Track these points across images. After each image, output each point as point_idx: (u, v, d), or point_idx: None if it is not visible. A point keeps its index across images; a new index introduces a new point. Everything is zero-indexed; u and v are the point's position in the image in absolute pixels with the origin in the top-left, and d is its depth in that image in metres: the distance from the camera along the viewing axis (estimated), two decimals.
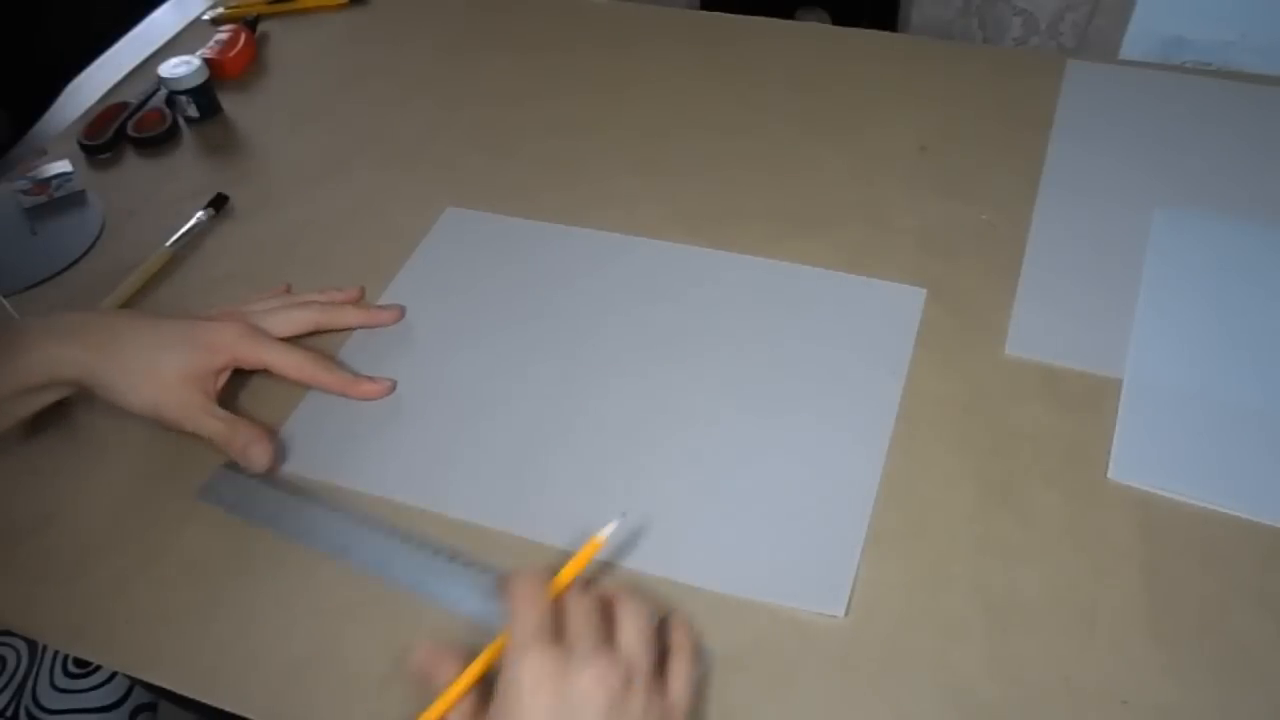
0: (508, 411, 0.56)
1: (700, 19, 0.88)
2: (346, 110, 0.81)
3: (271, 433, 0.55)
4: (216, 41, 0.86)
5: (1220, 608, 0.45)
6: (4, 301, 0.66)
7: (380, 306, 0.63)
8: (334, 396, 0.58)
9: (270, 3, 0.93)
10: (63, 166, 0.77)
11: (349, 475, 0.54)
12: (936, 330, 0.58)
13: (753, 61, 0.80)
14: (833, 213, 0.66)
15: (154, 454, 0.57)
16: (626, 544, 0.50)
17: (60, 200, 0.75)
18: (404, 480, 0.54)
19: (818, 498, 0.51)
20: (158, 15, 0.95)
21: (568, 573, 0.44)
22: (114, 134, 0.79)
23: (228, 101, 0.83)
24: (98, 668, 0.65)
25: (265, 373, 0.58)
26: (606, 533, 0.45)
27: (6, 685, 0.61)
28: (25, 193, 0.75)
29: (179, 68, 0.79)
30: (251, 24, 0.90)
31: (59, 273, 0.69)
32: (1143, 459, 0.51)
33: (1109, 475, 0.50)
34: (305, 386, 0.57)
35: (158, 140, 0.79)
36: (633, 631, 0.41)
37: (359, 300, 0.63)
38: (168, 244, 0.69)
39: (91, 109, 0.84)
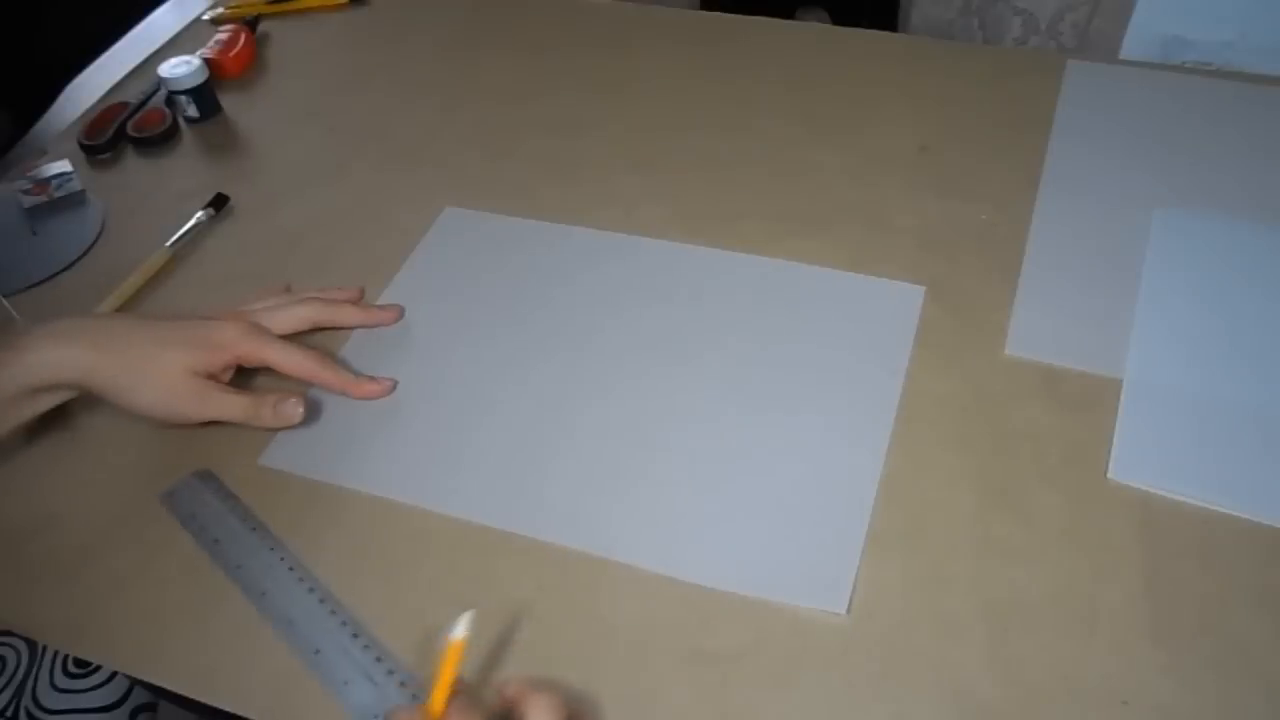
0: (507, 411, 0.56)
1: (700, 19, 0.88)
2: (346, 110, 0.81)
3: (300, 392, 0.55)
4: (216, 41, 0.86)
5: (1220, 608, 0.45)
6: (4, 301, 0.66)
7: (380, 306, 0.63)
8: (334, 396, 0.58)
9: (270, 3, 0.93)
10: (63, 166, 0.77)
11: (348, 475, 0.54)
12: (936, 330, 0.58)
13: (753, 61, 0.80)
14: (832, 212, 0.66)
15: (153, 454, 0.57)
16: (626, 543, 0.50)
17: (60, 200, 0.75)
18: (403, 479, 0.54)
19: (818, 495, 0.51)
20: (158, 15, 0.95)
21: (439, 694, 0.40)
22: (114, 134, 0.79)
23: (228, 101, 0.83)
24: (98, 668, 0.65)
25: (267, 371, 0.58)
26: (461, 633, 0.40)
27: (6, 685, 0.61)
28: (25, 193, 0.75)
29: (179, 68, 0.79)
30: (251, 24, 0.90)
31: (59, 273, 0.69)
32: (1143, 459, 0.51)
33: (1109, 475, 0.50)
34: (306, 385, 0.57)
35: (158, 140, 0.79)
36: None
37: (359, 300, 0.63)
38: (168, 244, 0.69)
39: (91, 109, 0.84)
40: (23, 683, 0.62)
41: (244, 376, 0.58)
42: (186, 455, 0.56)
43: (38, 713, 0.62)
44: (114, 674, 0.65)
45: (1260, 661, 0.43)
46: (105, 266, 0.69)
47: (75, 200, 0.75)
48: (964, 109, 0.73)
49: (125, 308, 0.65)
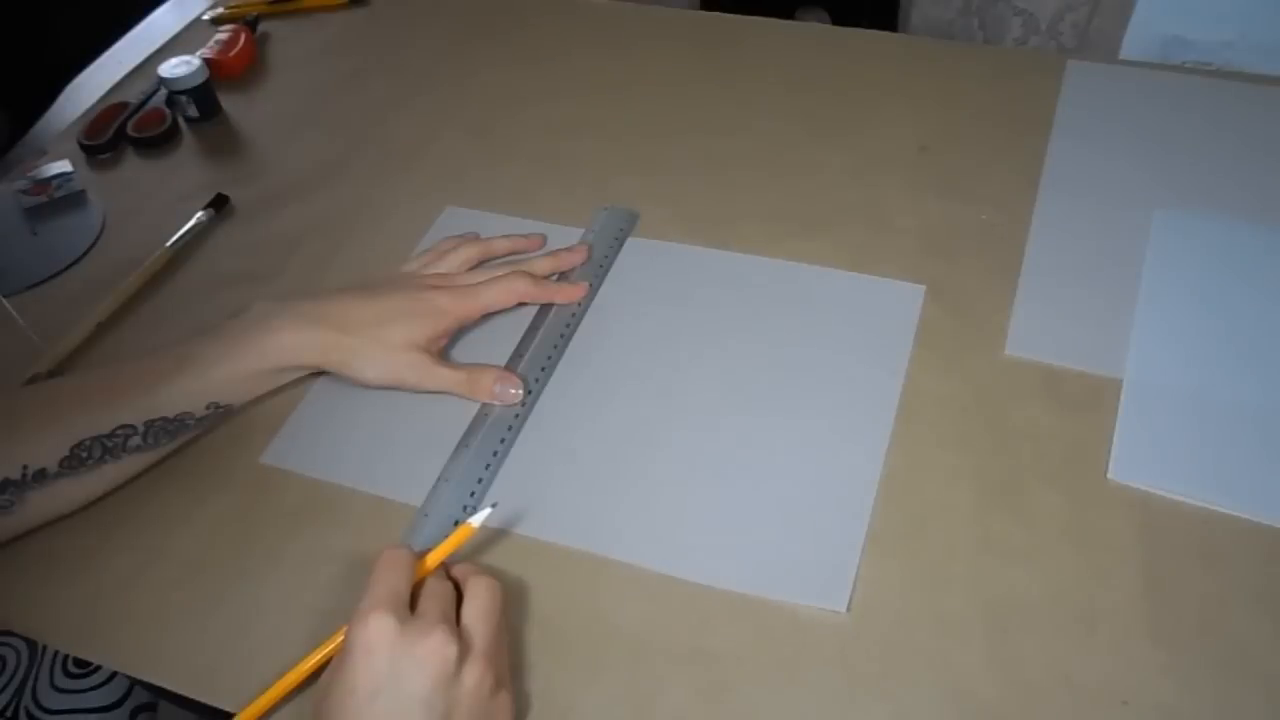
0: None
1: (700, 19, 0.88)
2: (346, 110, 0.81)
3: (509, 370, 0.57)
4: (216, 41, 0.86)
5: (1220, 608, 0.45)
6: (4, 301, 0.66)
7: (568, 249, 0.64)
8: (334, 396, 0.58)
9: (270, 3, 0.93)
10: (63, 166, 0.77)
11: (348, 474, 0.54)
12: (936, 330, 0.58)
13: (753, 61, 0.80)
14: (832, 213, 0.66)
15: None
16: (626, 542, 0.50)
17: (60, 200, 0.75)
18: (403, 479, 0.54)
19: (818, 495, 0.51)
20: (158, 15, 0.95)
21: (435, 556, 0.45)
22: (114, 134, 0.79)
23: (228, 101, 0.83)
24: (98, 668, 0.65)
25: None
26: (478, 520, 0.46)
27: (6, 685, 0.61)
28: (25, 193, 0.75)
29: (179, 68, 0.79)
30: (251, 24, 0.90)
31: (59, 273, 0.69)
32: (1142, 459, 0.51)
33: (1109, 475, 0.50)
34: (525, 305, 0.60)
35: (158, 140, 0.79)
36: (475, 608, 0.42)
37: (540, 246, 0.65)
38: (168, 244, 0.69)
39: (91, 109, 0.84)
40: (23, 683, 0.62)
41: None
42: (187, 454, 0.56)
43: (38, 713, 0.62)
44: (114, 674, 0.65)
45: (1260, 661, 0.43)
46: (105, 266, 0.69)
47: (75, 200, 0.75)
48: (964, 109, 0.73)
49: (125, 308, 0.65)
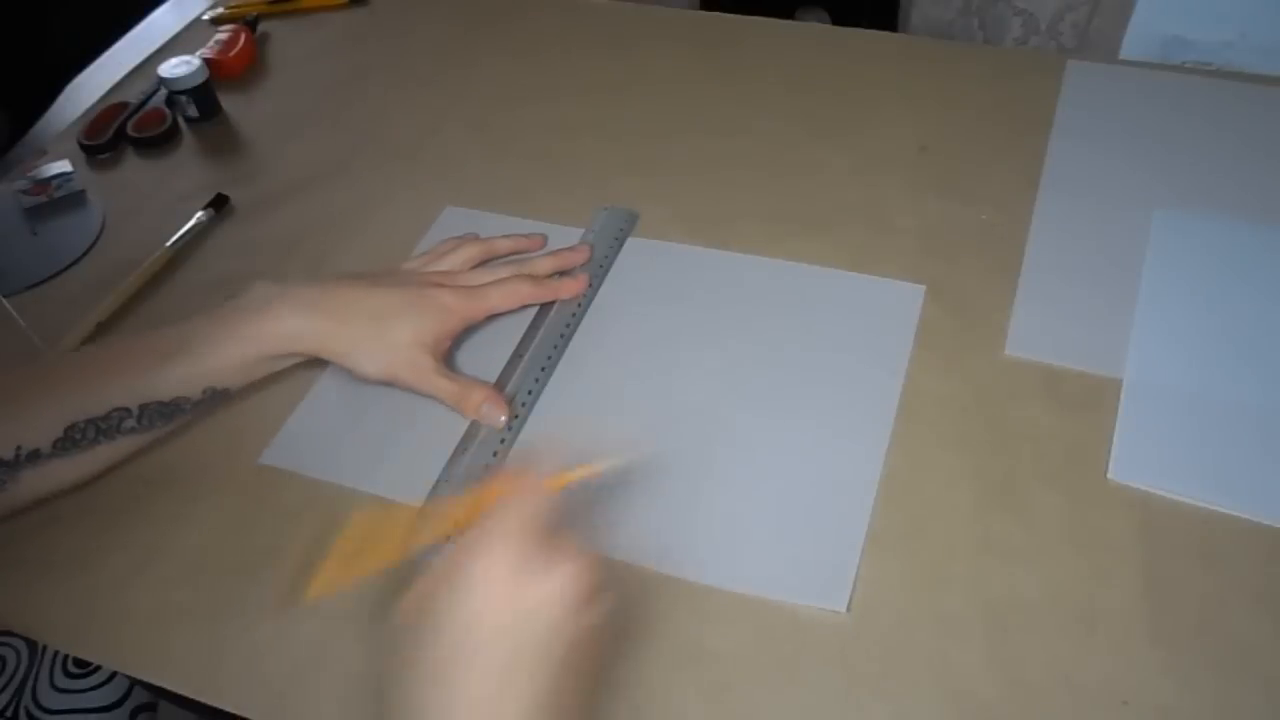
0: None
1: (700, 19, 0.88)
2: (346, 110, 0.81)
3: (499, 392, 0.56)
4: (216, 41, 0.86)
5: (1220, 608, 0.45)
6: (4, 301, 0.66)
7: (570, 248, 0.64)
8: (334, 396, 0.58)
9: (270, 3, 0.93)
10: (63, 166, 0.77)
11: (348, 474, 0.54)
12: (936, 330, 0.58)
13: (753, 62, 0.80)
14: (833, 213, 0.66)
15: (153, 453, 0.57)
16: (626, 540, 0.50)
17: (60, 200, 0.75)
18: (403, 479, 0.54)
19: (818, 495, 0.51)
20: (158, 15, 0.95)
21: (567, 477, 0.43)
22: (114, 134, 0.79)
23: (228, 101, 0.83)
24: (98, 668, 0.65)
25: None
26: (603, 464, 0.44)
27: (6, 685, 0.61)
28: (25, 193, 0.75)
29: (179, 68, 0.79)
30: (251, 24, 0.90)
31: (59, 273, 0.69)
32: (1142, 459, 0.51)
33: (1109, 475, 0.50)
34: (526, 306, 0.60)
35: (158, 140, 0.79)
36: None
37: (541, 247, 0.64)
38: (168, 244, 0.69)
39: (91, 109, 0.84)
40: (23, 683, 0.62)
41: None
42: (187, 453, 0.56)
43: (38, 713, 0.62)
44: (114, 674, 0.65)
45: (1260, 661, 0.43)
46: (105, 266, 0.69)
47: (75, 200, 0.75)
48: (964, 109, 0.73)
49: (125, 308, 0.65)
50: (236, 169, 0.77)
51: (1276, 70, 0.72)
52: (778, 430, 0.54)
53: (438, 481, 0.53)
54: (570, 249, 0.64)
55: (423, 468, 0.54)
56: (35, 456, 0.48)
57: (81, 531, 0.53)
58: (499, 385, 0.57)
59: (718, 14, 0.88)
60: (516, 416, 0.56)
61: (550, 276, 0.62)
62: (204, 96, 0.80)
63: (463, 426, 0.55)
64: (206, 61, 0.81)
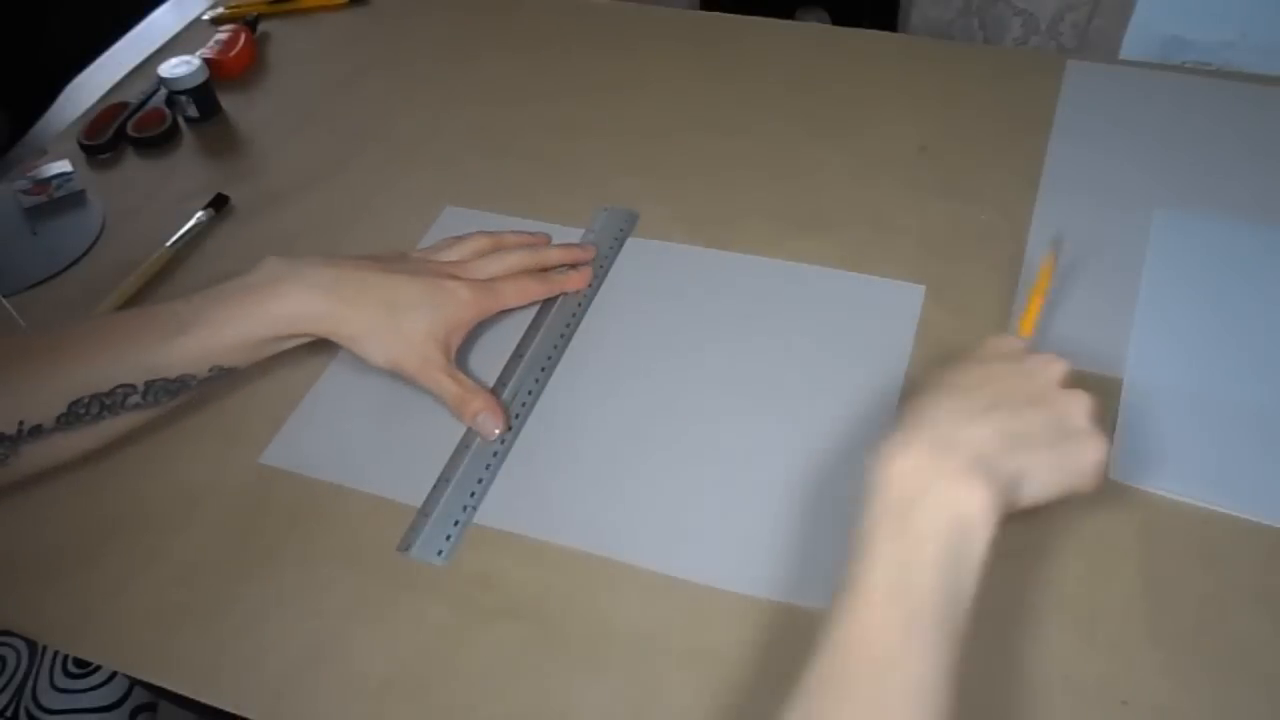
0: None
1: (700, 19, 0.88)
2: (346, 110, 0.81)
3: (502, 406, 0.56)
4: (216, 41, 0.86)
5: (1220, 608, 0.45)
6: (4, 301, 0.66)
7: (579, 245, 0.64)
8: (334, 396, 0.58)
9: (270, 3, 0.93)
10: (63, 166, 0.77)
11: (348, 474, 0.54)
12: (937, 330, 0.58)
13: (753, 61, 0.80)
14: (833, 213, 0.66)
15: (153, 453, 0.57)
16: (626, 543, 0.50)
17: (60, 200, 0.75)
18: (402, 479, 0.54)
19: (818, 494, 0.51)
20: (158, 15, 0.95)
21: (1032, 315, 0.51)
22: (114, 134, 0.79)
23: (228, 101, 0.83)
24: (98, 668, 0.65)
25: (265, 373, 0.58)
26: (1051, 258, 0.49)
27: (6, 685, 0.61)
28: (25, 193, 0.75)
29: (179, 68, 0.79)
30: (251, 24, 0.90)
31: (59, 273, 0.69)
32: (1143, 459, 0.51)
33: (1109, 475, 0.50)
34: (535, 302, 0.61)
35: (158, 140, 0.79)
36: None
37: (547, 243, 0.64)
38: (168, 244, 0.69)
39: (91, 109, 0.84)
40: (23, 683, 0.62)
41: (246, 377, 0.58)
42: (187, 453, 0.56)
43: (38, 713, 0.62)
44: (114, 674, 0.65)
45: (1260, 661, 0.43)
46: (105, 266, 0.69)
47: (75, 200, 0.75)
48: (964, 109, 0.73)
49: (125, 308, 0.65)
50: (236, 169, 0.77)
51: (1276, 70, 0.72)
52: (777, 430, 0.54)
53: (438, 481, 0.53)
54: (578, 245, 0.64)
55: (423, 468, 0.54)
56: (38, 431, 0.48)
57: (81, 531, 0.53)
58: (499, 385, 0.57)
59: (718, 14, 0.88)
60: (517, 416, 0.56)
61: (557, 270, 0.62)
62: (204, 96, 0.80)
63: (463, 426, 0.55)
64: (206, 61, 0.81)
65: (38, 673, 0.63)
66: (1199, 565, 0.47)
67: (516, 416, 0.56)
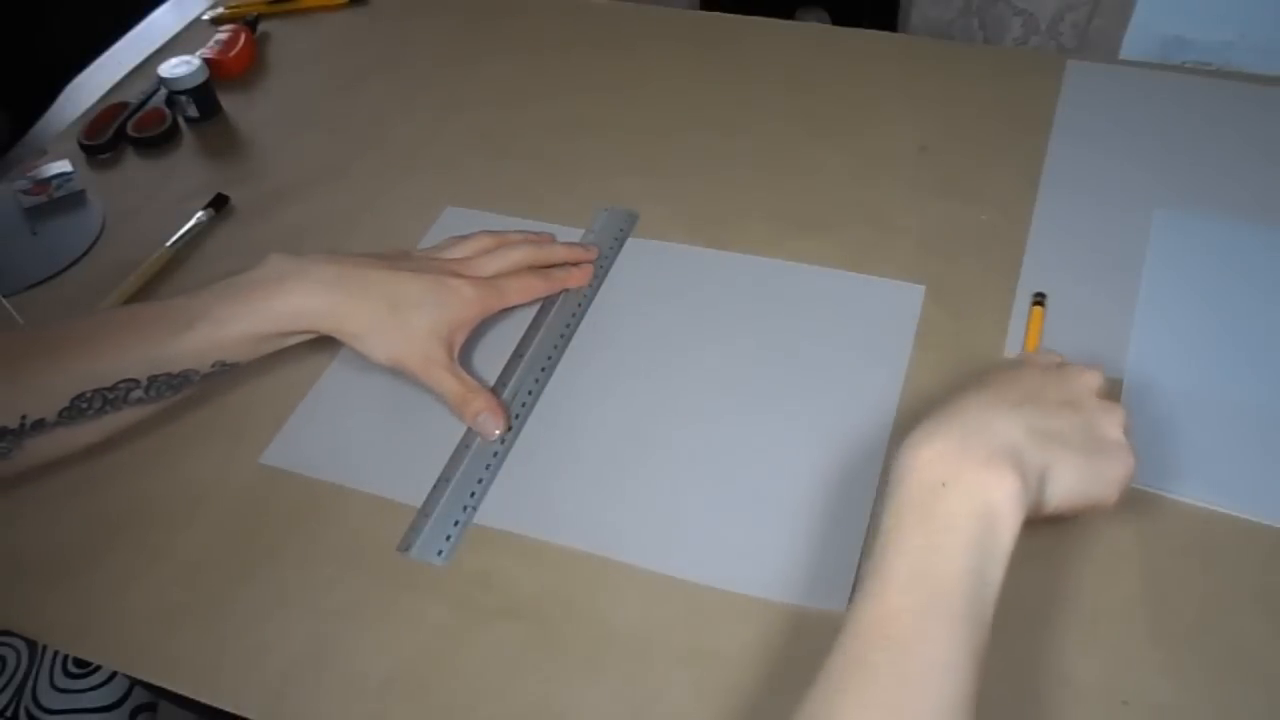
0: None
1: (700, 19, 0.88)
2: (346, 110, 0.81)
3: (503, 407, 0.55)
4: (216, 41, 0.86)
5: (1220, 608, 0.45)
6: (4, 301, 0.66)
7: (582, 244, 0.64)
8: (334, 396, 0.58)
9: (270, 3, 0.93)
10: (63, 166, 0.77)
11: (348, 474, 0.54)
12: (936, 330, 0.58)
13: (753, 61, 0.80)
14: (833, 213, 0.66)
15: (153, 453, 0.57)
16: (627, 543, 0.50)
17: (60, 200, 0.75)
18: (402, 479, 0.54)
19: (818, 495, 0.51)
20: (158, 15, 0.95)
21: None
22: (114, 134, 0.79)
23: (228, 101, 0.83)
24: (98, 668, 0.65)
25: (266, 372, 0.58)
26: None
27: (6, 685, 0.61)
28: (25, 193, 0.75)
29: (179, 68, 0.79)
30: (251, 24, 0.90)
31: (59, 273, 0.69)
32: (1143, 459, 0.50)
33: None
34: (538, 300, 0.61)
35: (158, 140, 0.79)
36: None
37: (552, 241, 0.64)
38: (168, 244, 0.69)
39: (91, 109, 0.84)
40: (23, 683, 0.62)
41: (246, 377, 0.58)
42: (187, 452, 0.56)
43: (38, 713, 0.62)
44: (114, 674, 0.65)
45: (1260, 661, 0.43)
46: (105, 266, 0.69)
47: (75, 200, 0.75)
48: (964, 109, 0.73)
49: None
50: (236, 169, 0.77)
51: (1276, 70, 0.72)
52: (778, 430, 0.54)
53: (438, 481, 0.53)
54: (581, 245, 0.64)
55: (423, 468, 0.54)
56: (41, 425, 0.48)
57: (81, 531, 0.53)
58: (499, 385, 0.57)
59: (718, 14, 0.88)
60: (517, 416, 0.56)
61: (559, 268, 0.62)
62: (204, 96, 0.80)
63: (463, 426, 0.55)
64: (206, 61, 0.81)
65: (38, 672, 0.63)
66: (1199, 565, 0.47)
67: (516, 416, 0.56)
